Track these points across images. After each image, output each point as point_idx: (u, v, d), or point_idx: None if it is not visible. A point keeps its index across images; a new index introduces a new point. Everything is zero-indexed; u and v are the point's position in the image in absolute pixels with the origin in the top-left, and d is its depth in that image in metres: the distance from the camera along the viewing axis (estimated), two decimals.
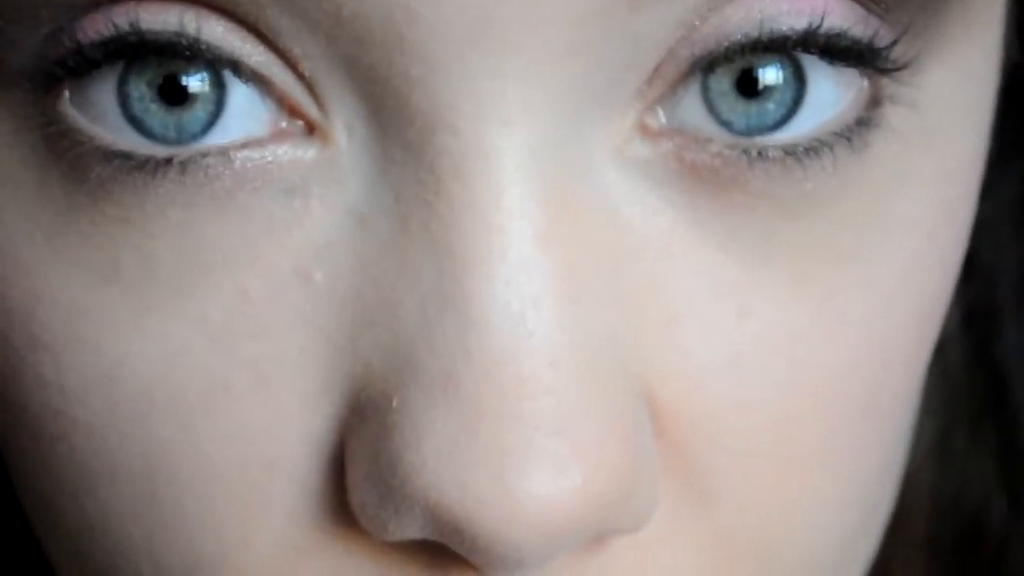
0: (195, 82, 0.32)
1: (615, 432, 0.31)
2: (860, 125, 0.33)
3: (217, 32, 0.31)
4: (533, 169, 0.31)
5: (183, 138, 0.32)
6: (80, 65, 0.31)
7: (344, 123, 0.32)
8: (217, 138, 0.32)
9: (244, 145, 0.32)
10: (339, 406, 0.32)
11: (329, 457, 0.33)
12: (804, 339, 0.33)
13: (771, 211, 0.33)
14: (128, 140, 0.32)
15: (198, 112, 0.32)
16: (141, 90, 0.32)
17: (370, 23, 0.30)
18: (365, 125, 0.31)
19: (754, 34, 0.31)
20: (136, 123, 0.32)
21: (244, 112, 0.32)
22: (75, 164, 0.32)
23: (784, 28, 0.31)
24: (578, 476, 0.31)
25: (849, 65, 0.32)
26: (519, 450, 0.30)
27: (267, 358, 0.32)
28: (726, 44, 0.31)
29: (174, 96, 0.32)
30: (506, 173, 0.31)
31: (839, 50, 0.32)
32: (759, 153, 0.32)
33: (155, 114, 0.32)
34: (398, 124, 0.31)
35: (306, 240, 0.32)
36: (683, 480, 0.33)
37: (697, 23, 0.31)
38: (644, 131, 0.32)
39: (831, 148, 0.32)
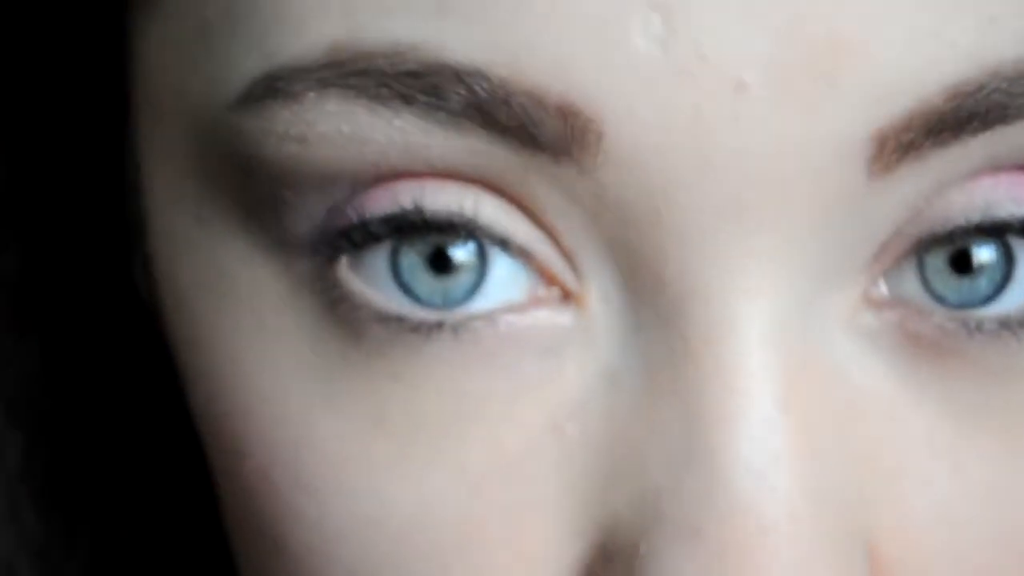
0: (461, 254, 0.34)
1: None
2: None
3: (489, 211, 0.34)
4: (774, 337, 0.34)
5: (447, 304, 0.35)
6: (363, 239, 0.34)
7: (599, 291, 0.35)
8: (478, 304, 0.35)
9: (506, 310, 0.35)
10: (586, 551, 0.35)
11: None
12: (1012, 495, 0.36)
13: (985, 378, 0.35)
14: (398, 304, 0.35)
15: (462, 281, 0.35)
16: (412, 259, 0.35)
17: (632, 204, 0.33)
18: (619, 293, 0.34)
19: (975, 219, 0.34)
20: (405, 288, 0.35)
21: (505, 281, 0.35)
22: (351, 326, 0.35)
23: (1004, 215, 0.34)
24: None
25: None
26: None
27: (520, 505, 0.35)
28: (949, 228, 0.34)
29: (441, 264, 0.35)
30: (750, 341, 0.34)
31: None
32: (977, 326, 0.35)
33: (423, 282, 0.35)
34: (651, 293, 0.34)
35: (560, 397, 0.35)
36: None
37: (923, 206, 0.34)
38: (869, 302, 0.35)
39: None
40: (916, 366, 0.35)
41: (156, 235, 0.38)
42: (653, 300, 0.34)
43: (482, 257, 0.35)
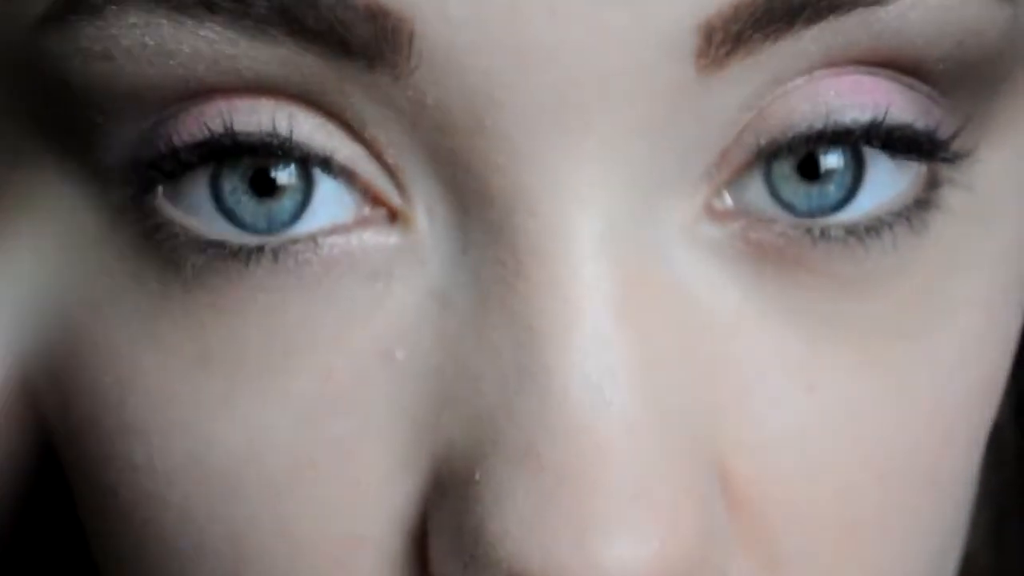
0: (284, 176, 0.33)
1: (690, 497, 0.32)
2: (918, 206, 0.34)
3: (306, 129, 0.33)
4: (608, 247, 0.32)
5: (272, 227, 0.33)
6: (176, 168, 0.33)
7: (425, 208, 0.33)
8: (304, 226, 0.33)
9: (331, 231, 0.33)
10: (422, 481, 0.33)
11: (412, 531, 0.34)
12: (869, 412, 0.34)
13: (834, 289, 0.34)
14: (220, 230, 0.33)
15: (286, 203, 0.33)
16: (233, 183, 0.33)
17: (451, 110, 0.32)
18: (445, 208, 0.33)
19: (819, 125, 0.33)
20: (228, 214, 0.33)
21: (330, 202, 0.33)
22: (170, 255, 0.33)
23: (848, 121, 0.33)
24: (655, 541, 0.32)
25: (910, 158, 0.34)
26: (599, 516, 0.31)
27: (351, 436, 0.33)
28: (791, 135, 0.33)
29: (264, 187, 0.33)
30: (583, 251, 0.32)
31: (901, 142, 0.34)
32: (822, 233, 0.33)
33: (246, 205, 0.33)
34: (478, 206, 0.33)
35: (389, 321, 0.33)
36: (753, 546, 0.34)
37: (763, 108, 0.33)
38: (711, 212, 0.34)
39: (891, 227, 0.34)
40: (762, 279, 0.34)
41: None
42: (481, 214, 0.33)
43: (306, 178, 0.33)
